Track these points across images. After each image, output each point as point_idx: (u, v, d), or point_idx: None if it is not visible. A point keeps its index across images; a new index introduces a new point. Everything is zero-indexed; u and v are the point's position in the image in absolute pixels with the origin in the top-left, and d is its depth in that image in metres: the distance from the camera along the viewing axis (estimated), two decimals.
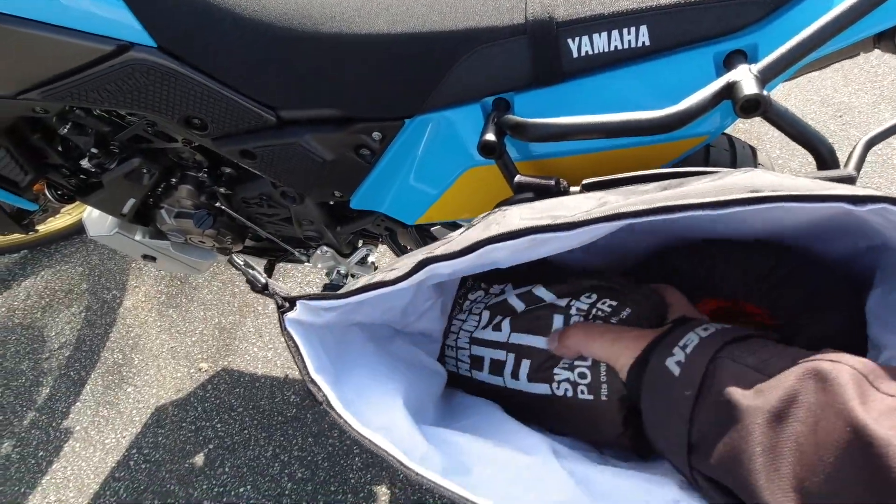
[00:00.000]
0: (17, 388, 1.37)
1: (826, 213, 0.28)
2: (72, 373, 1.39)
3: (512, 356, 0.46)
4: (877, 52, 0.54)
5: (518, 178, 0.48)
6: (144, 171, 0.81)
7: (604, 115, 0.48)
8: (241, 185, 0.83)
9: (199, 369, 1.38)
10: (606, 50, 0.51)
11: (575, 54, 0.52)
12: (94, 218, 0.98)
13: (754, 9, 0.48)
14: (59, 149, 0.79)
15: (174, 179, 0.85)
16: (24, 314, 1.51)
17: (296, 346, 0.36)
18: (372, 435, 0.33)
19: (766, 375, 0.29)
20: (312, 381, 0.34)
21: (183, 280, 1.56)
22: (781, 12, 0.48)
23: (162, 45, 0.59)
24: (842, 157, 0.48)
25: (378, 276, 0.37)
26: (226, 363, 1.39)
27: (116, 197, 0.85)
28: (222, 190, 0.84)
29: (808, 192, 0.27)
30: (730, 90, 0.45)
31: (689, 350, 0.34)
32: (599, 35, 0.51)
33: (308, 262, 1.03)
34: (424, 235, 0.83)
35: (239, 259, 0.50)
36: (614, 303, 0.44)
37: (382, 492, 1.15)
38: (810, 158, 0.50)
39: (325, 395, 0.34)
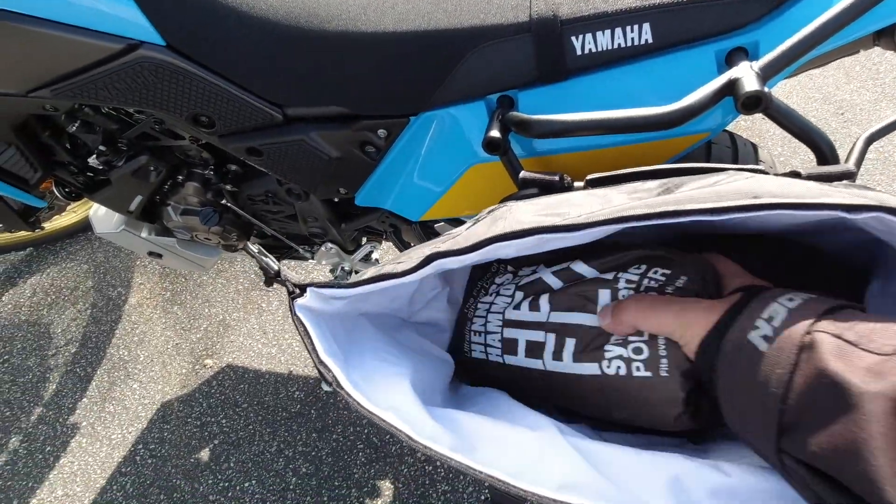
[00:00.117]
0: (23, 385, 1.38)
1: (825, 215, 0.29)
2: (78, 369, 1.40)
3: (553, 336, 0.44)
4: (878, 49, 0.54)
5: (523, 174, 0.49)
6: (151, 168, 0.82)
7: (607, 111, 0.49)
8: (247, 183, 0.84)
9: (204, 366, 1.39)
10: (610, 47, 0.52)
11: (579, 52, 0.53)
12: (100, 215, 0.99)
13: (756, 6, 0.49)
14: (68, 146, 0.80)
15: (181, 177, 0.86)
16: (31, 311, 1.53)
17: (305, 329, 0.36)
18: (381, 412, 0.34)
19: (876, 354, 0.26)
20: (322, 363, 0.35)
21: (187, 277, 1.57)
22: (782, 10, 0.49)
23: (170, 44, 0.59)
24: (843, 154, 0.49)
25: (387, 268, 0.37)
26: (230, 359, 1.40)
27: (123, 194, 0.86)
28: (228, 187, 0.85)
29: (804, 200, 0.28)
30: (731, 87, 0.45)
31: (776, 323, 0.31)
32: (603, 33, 0.52)
33: (313, 258, 1.04)
34: (429, 232, 0.83)
35: (253, 247, 0.51)
36: (667, 271, 0.41)
37: (386, 486, 1.16)
38: (812, 155, 0.51)
39: (334, 376, 0.35)
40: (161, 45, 0.59)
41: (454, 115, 0.59)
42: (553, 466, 0.34)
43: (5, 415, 1.33)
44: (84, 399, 1.35)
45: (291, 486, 1.19)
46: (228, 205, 0.89)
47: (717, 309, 0.35)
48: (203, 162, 0.83)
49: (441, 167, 0.64)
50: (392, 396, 0.36)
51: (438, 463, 1.18)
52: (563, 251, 0.46)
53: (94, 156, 0.79)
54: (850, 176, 0.40)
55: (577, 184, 0.47)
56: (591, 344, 0.42)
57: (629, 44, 0.52)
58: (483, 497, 1.13)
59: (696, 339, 0.35)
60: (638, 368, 0.39)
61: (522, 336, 0.46)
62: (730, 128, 0.65)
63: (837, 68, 1.79)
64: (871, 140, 0.56)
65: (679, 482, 0.33)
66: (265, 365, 1.38)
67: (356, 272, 1.08)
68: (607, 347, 0.41)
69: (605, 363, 0.41)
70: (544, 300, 0.45)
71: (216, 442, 1.26)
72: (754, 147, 0.71)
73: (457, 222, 0.80)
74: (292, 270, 1.53)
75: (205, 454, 1.25)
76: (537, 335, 0.45)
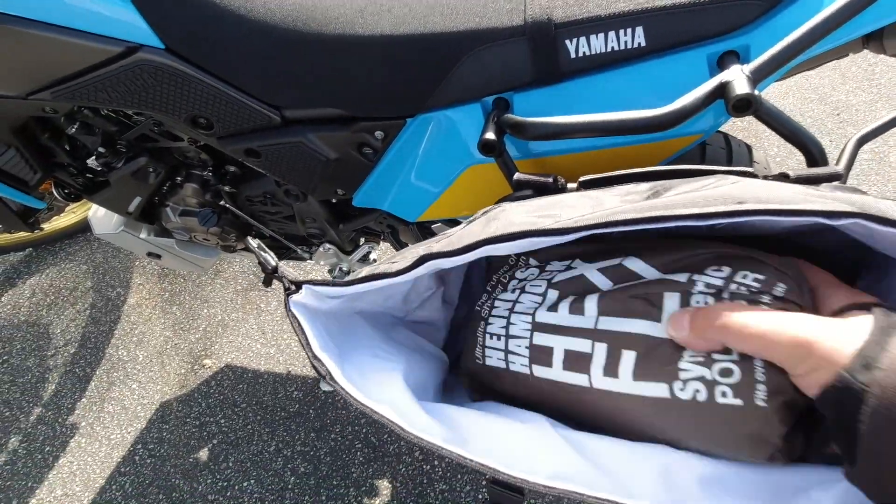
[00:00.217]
0: (23, 385, 1.39)
1: (808, 221, 0.29)
2: (77, 369, 1.41)
3: (604, 347, 0.37)
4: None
5: (517, 176, 0.49)
6: (150, 169, 0.82)
7: (600, 114, 0.49)
8: (246, 184, 0.85)
9: (203, 366, 1.40)
10: (603, 51, 0.53)
11: (573, 55, 0.53)
12: (99, 216, 0.99)
13: (747, 11, 0.49)
14: (67, 148, 0.81)
15: (179, 178, 0.86)
16: (30, 312, 1.53)
17: (299, 324, 0.37)
18: (375, 405, 0.35)
19: None
20: (316, 357, 0.36)
21: (186, 277, 1.57)
22: (773, 14, 0.49)
23: (169, 47, 0.60)
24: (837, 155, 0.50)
25: (381, 268, 0.38)
26: (229, 360, 1.41)
27: (123, 195, 0.87)
28: (227, 188, 0.85)
29: (786, 207, 0.29)
30: (722, 90, 0.46)
31: None
32: (596, 36, 0.52)
33: (311, 259, 1.05)
34: (426, 232, 0.84)
35: (253, 242, 0.51)
36: (760, 276, 0.34)
37: (384, 486, 1.17)
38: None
39: (328, 370, 0.35)
40: (160, 48, 0.60)
41: (450, 117, 0.60)
42: (544, 457, 0.35)
43: (4, 415, 1.34)
44: (83, 399, 1.36)
45: (290, 486, 1.19)
46: (227, 206, 0.89)
47: (848, 335, 0.27)
48: (201, 163, 0.83)
49: (437, 168, 0.65)
50: (385, 390, 0.37)
51: (436, 462, 1.19)
52: (605, 243, 0.43)
53: (94, 157, 0.79)
54: (837, 178, 0.41)
55: (570, 185, 0.48)
56: (658, 359, 0.35)
57: (623, 47, 0.52)
58: (481, 496, 1.13)
59: (822, 374, 0.27)
60: (724, 394, 0.33)
61: (560, 344, 0.39)
62: (726, 128, 0.66)
63: (833, 69, 1.80)
64: (861, 142, 0.57)
65: (668, 471, 0.34)
66: (264, 365, 1.39)
67: (354, 272, 1.09)
68: (682, 365, 0.34)
69: (678, 384, 0.34)
70: (591, 302, 0.39)
71: (215, 442, 1.27)
72: (748, 148, 0.72)
73: (454, 223, 0.80)
74: (291, 268, 1.53)
75: (203, 454, 1.25)
76: (581, 344, 0.38)
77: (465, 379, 0.49)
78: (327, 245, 0.98)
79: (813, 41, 0.45)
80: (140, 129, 0.75)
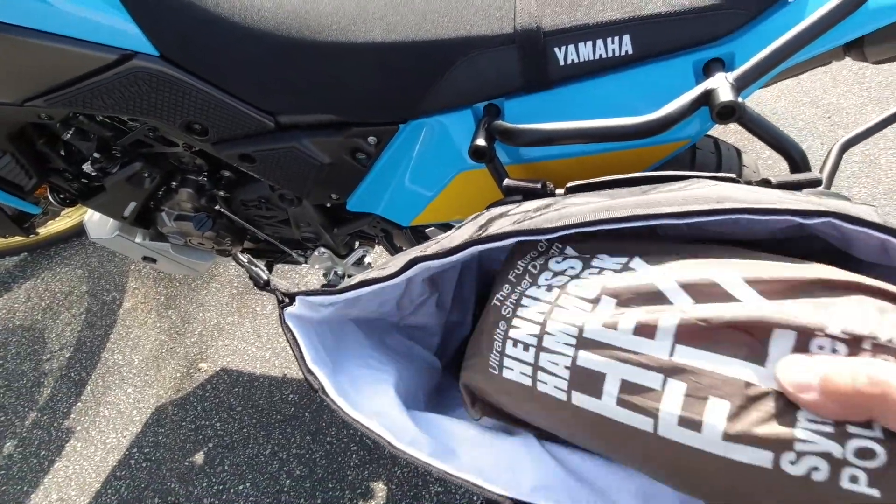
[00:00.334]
0: (18, 389, 1.39)
1: (783, 221, 0.30)
2: (73, 373, 1.41)
3: (680, 387, 0.29)
4: None
5: (506, 182, 0.50)
6: (146, 174, 0.83)
7: (589, 121, 0.50)
8: (240, 188, 0.85)
9: (199, 369, 1.40)
10: (592, 58, 0.54)
11: (562, 62, 0.54)
12: (94, 221, 0.99)
13: (731, 19, 0.50)
14: (62, 153, 0.81)
15: (174, 183, 0.87)
16: (25, 316, 1.53)
17: (294, 338, 0.38)
18: (364, 419, 0.35)
19: None
20: (309, 371, 0.37)
21: (181, 281, 1.58)
22: (757, 23, 0.50)
23: (164, 54, 0.61)
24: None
25: (372, 274, 0.39)
26: (225, 363, 1.41)
27: (118, 200, 0.87)
28: (222, 193, 0.86)
29: (761, 206, 0.30)
30: (707, 97, 0.47)
31: None
32: (584, 44, 0.53)
33: (306, 263, 1.05)
34: (419, 236, 0.85)
35: (243, 257, 0.51)
36: None
37: (379, 488, 1.17)
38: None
39: (320, 384, 0.36)
40: (155, 55, 0.60)
41: (442, 123, 0.61)
42: (528, 469, 0.35)
43: (0, 419, 1.34)
44: (79, 403, 1.36)
45: (286, 489, 1.19)
46: (222, 210, 0.90)
47: None
48: (196, 168, 0.84)
49: (430, 173, 0.66)
50: (376, 402, 0.38)
51: None
52: (671, 243, 0.36)
53: (89, 162, 0.80)
54: (818, 183, 0.42)
55: (558, 191, 0.49)
56: (763, 419, 0.27)
57: (610, 55, 0.53)
58: (475, 498, 1.14)
59: None
60: (855, 479, 0.25)
61: (616, 371, 0.31)
62: (718, 132, 0.67)
63: (824, 73, 1.81)
64: (845, 147, 0.58)
65: (650, 489, 0.35)
66: (259, 368, 1.39)
67: (349, 276, 1.09)
68: (800, 434, 0.26)
69: (788, 456, 0.26)
70: (666, 322, 0.30)
71: (210, 445, 1.27)
72: (738, 152, 0.73)
73: (447, 227, 0.81)
74: (286, 274, 1.53)
75: (199, 457, 1.25)
76: (648, 377, 0.30)
77: (466, 393, 0.41)
78: (322, 249, 0.98)
79: (795, 50, 0.46)
80: (135, 135, 0.76)
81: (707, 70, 0.52)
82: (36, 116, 0.69)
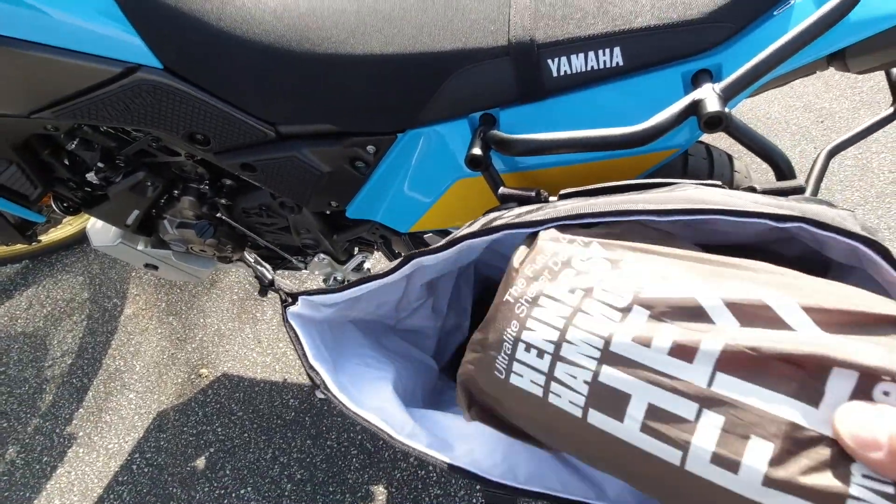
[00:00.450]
0: (20, 396, 1.40)
1: (759, 223, 0.32)
2: (74, 380, 1.42)
3: (717, 420, 0.26)
4: None
5: (502, 190, 0.52)
6: (148, 183, 0.84)
7: (581, 131, 0.52)
8: (242, 197, 0.87)
9: (200, 375, 1.41)
10: (584, 69, 0.55)
11: (555, 73, 0.56)
12: (97, 228, 1.01)
13: (718, 32, 0.52)
14: (67, 163, 0.82)
15: (177, 191, 0.88)
16: (27, 323, 1.54)
17: (296, 335, 0.39)
18: (365, 414, 0.37)
19: None
20: (311, 367, 0.38)
21: (182, 288, 1.59)
22: (743, 35, 0.52)
23: (168, 67, 0.62)
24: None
25: (371, 275, 0.40)
26: (225, 369, 1.42)
27: (121, 209, 0.89)
28: (223, 201, 0.87)
29: (738, 209, 0.31)
30: (695, 107, 0.49)
31: None
32: (577, 56, 0.55)
33: (306, 269, 1.07)
34: (418, 243, 0.86)
35: (250, 256, 0.52)
36: None
37: (380, 491, 1.18)
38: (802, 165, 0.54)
39: (322, 380, 0.38)
40: (158, 67, 0.62)
41: (439, 132, 0.62)
42: (522, 460, 0.37)
43: (2, 426, 1.34)
44: (80, 409, 1.37)
45: (287, 493, 1.20)
46: (223, 218, 0.91)
47: None
48: (198, 177, 0.85)
49: (428, 181, 0.67)
50: (375, 398, 0.39)
51: (431, 467, 1.20)
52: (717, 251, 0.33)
53: (93, 172, 0.81)
54: (801, 190, 0.43)
55: (552, 198, 0.50)
56: (811, 467, 0.24)
57: (602, 66, 0.55)
58: (475, 500, 1.15)
59: None
60: None
61: (644, 394, 0.28)
62: (711, 139, 0.68)
63: (817, 78, 1.84)
64: (832, 153, 0.60)
65: None
66: (260, 374, 1.40)
67: (348, 282, 1.11)
68: (855, 490, 0.23)
69: None
70: (709, 347, 0.27)
71: (212, 450, 1.28)
72: (730, 158, 0.74)
73: (445, 233, 0.82)
74: (286, 279, 1.55)
75: (201, 462, 1.26)
76: (680, 405, 0.27)
77: (463, 392, 0.38)
78: (322, 255, 1.00)
79: (779, 61, 0.48)
80: (139, 145, 0.77)
81: (695, 81, 0.53)
82: (42, 128, 0.71)
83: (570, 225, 0.36)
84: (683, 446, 0.27)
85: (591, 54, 0.54)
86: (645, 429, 0.28)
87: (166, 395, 1.38)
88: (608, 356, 0.30)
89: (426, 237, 0.86)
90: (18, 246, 1.49)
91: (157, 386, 1.40)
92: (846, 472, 0.23)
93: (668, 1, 0.53)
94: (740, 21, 0.52)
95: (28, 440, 1.32)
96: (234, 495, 1.21)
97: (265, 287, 0.43)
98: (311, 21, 0.61)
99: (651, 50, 0.53)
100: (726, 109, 0.47)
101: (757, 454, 0.25)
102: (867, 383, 0.24)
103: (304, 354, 0.38)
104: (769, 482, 0.25)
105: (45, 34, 0.59)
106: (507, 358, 0.34)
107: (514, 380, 0.34)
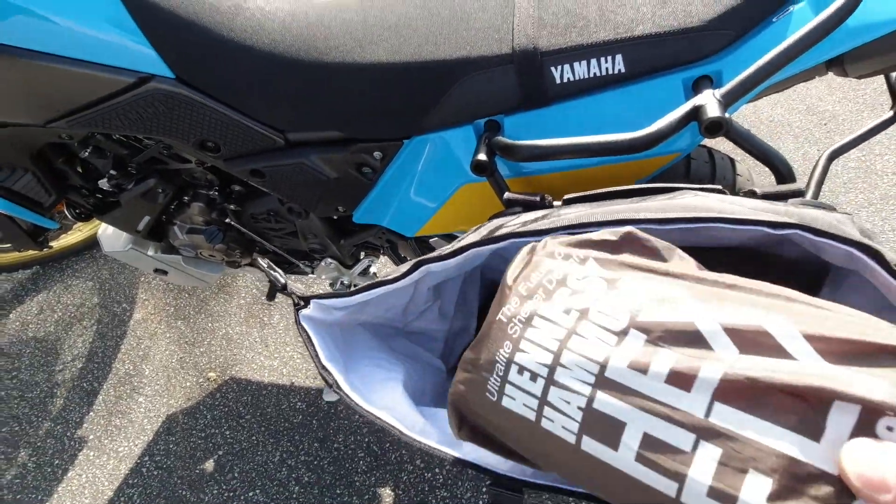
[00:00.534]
0: (32, 400, 1.41)
1: (756, 230, 0.33)
2: (85, 384, 1.44)
3: (714, 452, 0.26)
4: None
5: (507, 195, 0.53)
6: (159, 190, 0.86)
7: (584, 137, 0.53)
8: (250, 202, 0.88)
9: (208, 379, 1.43)
10: (586, 76, 0.56)
11: (558, 80, 0.57)
12: (108, 234, 1.02)
13: (718, 39, 0.53)
14: (80, 171, 0.84)
15: (187, 197, 0.90)
16: (38, 328, 1.56)
17: (309, 337, 0.40)
18: (377, 411, 0.38)
19: None
20: (324, 368, 0.39)
21: (190, 293, 1.61)
22: (742, 42, 0.53)
23: (179, 76, 0.64)
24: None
25: (380, 279, 0.42)
26: (233, 372, 1.43)
27: (132, 215, 0.90)
28: (232, 207, 0.89)
29: (736, 216, 0.32)
30: (696, 113, 0.50)
31: None
32: (580, 63, 0.56)
33: (313, 273, 1.08)
34: (424, 247, 0.87)
35: (262, 262, 0.53)
36: None
37: (386, 493, 1.19)
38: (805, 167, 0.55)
39: (334, 379, 0.39)
40: (171, 77, 0.64)
41: (445, 139, 0.63)
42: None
43: (14, 430, 1.36)
44: (91, 413, 1.38)
45: (294, 495, 1.21)
46: (232, 223, 0.93)
47: None
48: (208, 183, 0.87)
49: (434, 186, 0.68)
50: (386, 397, 0.40)
51: (437, 469, 1.21)
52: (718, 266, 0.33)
53: (105, 179, 0.83)
54: (801, 194, 0.44)
55: (556, 202, 0.51)
56: (806, 501, 0.24)
57: (604, 73, 0.56)
58: (480, 502, 1.16)
59: None
60: None
61: (639, 422, 0.28)
62: (716, 143, 0.69)
63: (820, 80, 1.84)
64: (833, 156, 0.60)
65: None
66: (267, 377, 1.41)
67: (355, 286, 1.12)
68: None
69: None
70: (707, 375, 0.27)
71: (220, 453, 1.29)
72: (732, 162, 0.75)
73: (450, 238, 0.84)
74: (296, 283, 1.56)
75: (209, 465, 1.28)
76: (676, 435, 0.27)
77: (454, 413, 0.37)
78: (329, 259, 1.01)
79: (779, 67, 0.49)
80: (150, 153, 0.79)
81: (696, 87, 0.54)
82: (57, 136, 0.73)
83: (573, 234, 0.37)
84: (679, 478, 0.27)
85: (594, 61, 0.55)
86: (640, 458, 0.28)
87: (175, 398, 1.40)
88: (603, 382, 0.29)
89: (432, 241, 0.87)
90: (30, 252, 1.51)
91: (166, 389, 1.41)
92: None
93: (669, 9, 0.54)
94: (740, 28, 0.53)
95: (40, 443, 1.34)
96: (242, 498, 1.22)
97: (278, 291, 0.44)
98: (318, 31, 0.63)
99: (652, 57, 0.55)
100: (727, 115, 0.48)
101: (755, 489, 0.24)
102: (870, 418, 0.23)
103: (317, 355, 0.39)
104: None
105: (62, 46, 0.60)
106: (499, 380, 0.34)
107: (506, 402, 0.33)
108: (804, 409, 0.25)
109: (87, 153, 0.78)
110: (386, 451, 1.25)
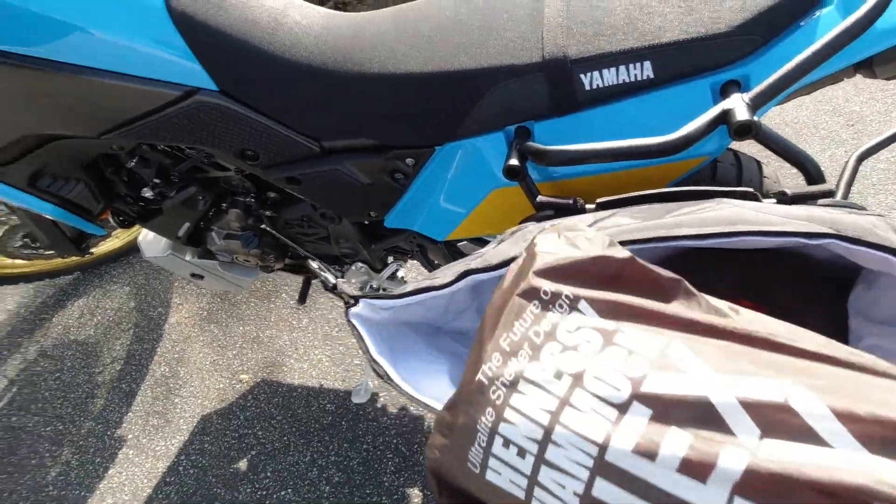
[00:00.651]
0: (74, 400, 1.47)
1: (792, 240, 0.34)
2: (123, 385, 1.49)
3: None
4: None
5: (540, 198, 0.54)
6: (199, 197, 0.89)
7: (614, 141, 0.54)
8: (285, 209, 0.92)
9: (240, 380, 1.47)
10: (615, 83, 0.58)
11: (587, 87, 0.59)
12: (149, 240, 1.07)
13: (746, 44, 0.54)
14: (125, 180, 0.88)
15: (224, 204, 0.94)
16: (78, 331, 1.62)
17: (359, 333, 0.43)
18: (427, 400, 0.40)
19: None
20: (375, 361, 0.41)
21: (222, 297, 1.65)
22: (770, 46, 0.54)
23: (223, 89, 0.67)
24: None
25: (426, 283, 0.44)
26: (265, 374, 1.47)
27: (173, 221, 0.94)
28: (267, 213, 0.92)
29: (772, 229, 0.34)
30: (724, 116, 0.51)
31: None
32: (609, 70, 0.58)
33: (342, 277, 1.11)
34: (453, 251, 0.89)
35: (314, 263, 0.55)
36: None
37: (415, 493, 1.21)
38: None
39: (385, 371, 0.41)
40: (215, 90, 0.67)
41: (476, 145, 0.65)
42: None
43: (59, 429, 1.42)
44: (130, 413, 1.43)
45: (325, 495, 1.24)
46: (267, 229, 0.96)
47: None
48: (245, 190, 0.90)
49: (465, 191, 0.70)
50: (433, 388, 0.42)
51: None
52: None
53: (149, 188, 0.87)
54: (831, 194, 0.45)
55: (588, 206, 0.53)
56: None
57: (633, 79, 0.57)
58: None
59: None
60: None
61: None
62: (743, 145, 0.70)
63: (846, 81, 1.81)
64: (862, 157, 0.61)
65: None
66: (297, 379, 1.45)
67: (384, 289, 1.14)
68: None
69: None
70: (727, 465, 0.23)
71: (253, 453, 1.33)
72: (759, 164, 0.76)
73: (479, 241, 0.85)
74: (315, 294, 1.60)
75: (243, 464, 1.31)
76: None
77: (433, 479, 0.34)
78: (359, 264, 1.04)
79: (807, 71, 0.50)
80: (192, 162, 0.83)
81: (724, 91, 0.55)
82: (108, 147, 0.77)
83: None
84: None
85: (623, 68, 0.57)
86: None
87: (209, 399, 1.44)
88: (603, 466, 0.25)
89: (461, 245, 0.89)
90: (72, 258, 1.58)
91: (200, 391, 1.46)
92: None
93: (696, 16, 0.55)
94: (767, 33, 0.54)
95: (82, 442, 1.39)
96: (275, 497, 1.25)
97: (328, 290, 0.47)
98: (354, 43, 0.66)
99: (680, 63, 0.56)
100: (755, 118, 0.49)
101: None
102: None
103: (367, 349, 0.42)
104: None
105: (116, 62, 0.64)
106: (481, 451, 0.29)
107: (490, 476, 0.29)
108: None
109: (133, 163, 0.82)
110: (414, 451, 1.27)
